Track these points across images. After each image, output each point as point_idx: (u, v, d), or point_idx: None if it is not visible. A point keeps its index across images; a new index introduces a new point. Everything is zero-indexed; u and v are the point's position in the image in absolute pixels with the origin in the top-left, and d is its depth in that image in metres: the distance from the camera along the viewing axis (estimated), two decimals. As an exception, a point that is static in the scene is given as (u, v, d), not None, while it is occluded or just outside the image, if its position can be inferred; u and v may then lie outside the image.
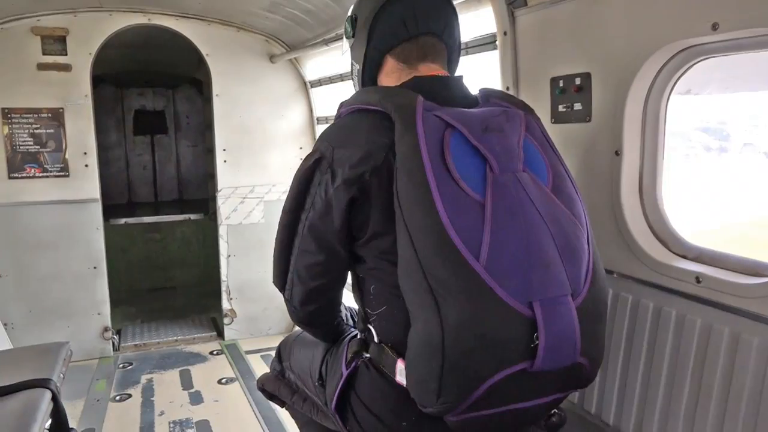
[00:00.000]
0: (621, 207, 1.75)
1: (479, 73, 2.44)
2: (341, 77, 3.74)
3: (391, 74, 1.62)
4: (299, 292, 1.55)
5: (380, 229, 1.40)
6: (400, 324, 1.38)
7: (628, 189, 1.76)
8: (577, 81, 1.87)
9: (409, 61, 1.59)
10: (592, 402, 1.90)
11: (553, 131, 2.01)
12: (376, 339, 1.49)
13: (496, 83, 2.24)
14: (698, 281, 1.54)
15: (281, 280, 1.58)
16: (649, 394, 1.71)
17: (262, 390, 2.05)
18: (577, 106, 1.89)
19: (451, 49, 1.65)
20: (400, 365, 1.39)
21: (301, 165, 1.50)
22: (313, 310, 1.59)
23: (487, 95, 1.56)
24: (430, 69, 1.58)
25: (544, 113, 2.03)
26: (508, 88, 2.18)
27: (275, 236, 1.58)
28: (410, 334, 1.32)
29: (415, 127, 1.32)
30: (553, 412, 1.49)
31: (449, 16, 1.62)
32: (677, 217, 1.79)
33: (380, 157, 1.37)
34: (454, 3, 1.63)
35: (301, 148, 4.37)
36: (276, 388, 1.99)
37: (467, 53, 2.47)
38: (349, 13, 1.70)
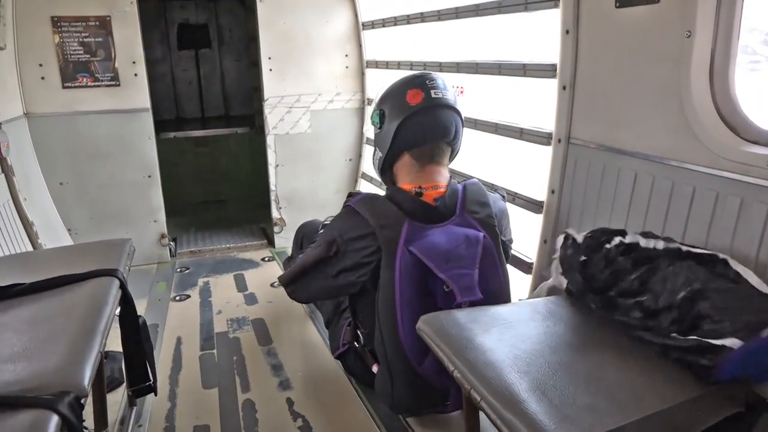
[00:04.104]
0: (689, 91, 1.66)
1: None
2: (388, -23, 3.58)
3: (404, 167, 2.16)
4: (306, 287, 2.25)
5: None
6: (378, 344, 2.10)
7: (698, 72, 1.66)
8: (647, -43, 1.74)
9: (421, 159, 2.13)
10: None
11: (617, 17, 1.91)
12: (362, 341, 2.30)
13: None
14: (770, 165, 1.47)
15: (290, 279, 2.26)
16: None
17: None
18: (646, -14, 1.77)
19: (453, 148, 2.18)
20: (375, 367, 2.20)
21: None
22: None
23: (464, 203, 2.07)
24: (433, 171, 2.12)
25: (608, -2, 1.92)
26: (568, -27, 2.05)
27: (307, 253, 2.21)
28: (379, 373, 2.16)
29: (395, 263, 1.95)
30: None
31: (458, 125, 2.13)
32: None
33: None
34: None
35: (346, 55, 4.26)
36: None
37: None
38: (375, 107, 2.18)
